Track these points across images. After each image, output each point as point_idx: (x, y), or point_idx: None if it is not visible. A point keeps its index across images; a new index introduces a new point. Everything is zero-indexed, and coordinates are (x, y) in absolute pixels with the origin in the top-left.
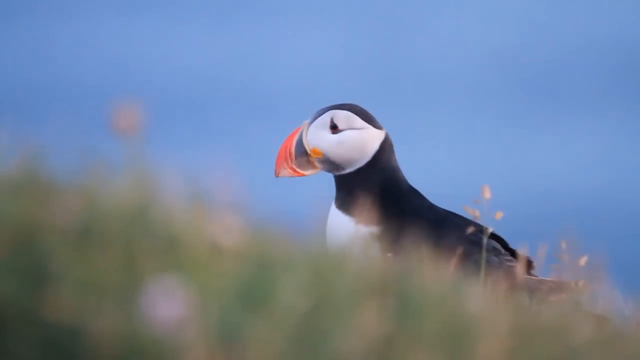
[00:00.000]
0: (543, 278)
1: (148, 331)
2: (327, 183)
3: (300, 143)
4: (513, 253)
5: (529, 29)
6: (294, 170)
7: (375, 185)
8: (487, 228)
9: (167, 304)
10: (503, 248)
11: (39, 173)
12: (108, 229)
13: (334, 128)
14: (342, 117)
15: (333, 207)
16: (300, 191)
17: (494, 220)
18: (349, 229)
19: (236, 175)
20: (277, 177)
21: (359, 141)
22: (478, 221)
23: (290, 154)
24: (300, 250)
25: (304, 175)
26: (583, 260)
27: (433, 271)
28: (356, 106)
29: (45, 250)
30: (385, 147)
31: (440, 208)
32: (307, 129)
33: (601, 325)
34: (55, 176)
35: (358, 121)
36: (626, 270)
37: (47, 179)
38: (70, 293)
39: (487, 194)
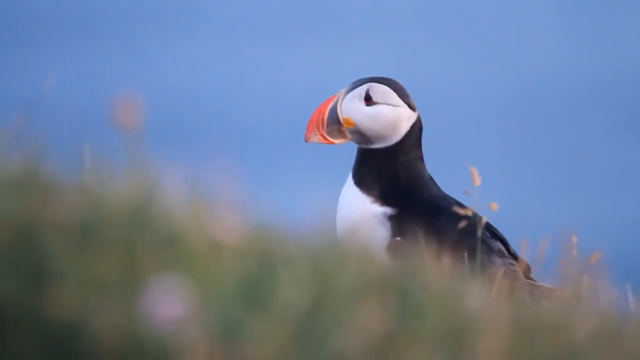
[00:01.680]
0: (541, 284)
1: (149, 329)
2: (327, 183)
3: (334, 111)
4: (514, 256)
5: None
6: (324, 137)
7: (399, 166)
8: (491, 225)
9: (168, 302)
10: (506, 249)
11: (40, 171)
12: (109, 226)
13: (368, 100)
14: (379, 91)
15: (349, 181)
16: (301, 189)
17: (489, 212)
18: (363, 207)
19: (236, 173)
20: (306, 142)
21: (393, 118)
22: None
23: (322, 120)
24: (300, 248)
25: (333, 143)
26: (594, 258)
27: (434, 269)
28: (395, 82)
29: (46, 248)
30: (416, 129)
31: (452, 199)
32: (343, 97)
33: (602, 323)
34: (56, 174)
35: (395, 97)
36: (628, 267)
37: (48, 176)
38: (71, 290)
39: (477, 180)
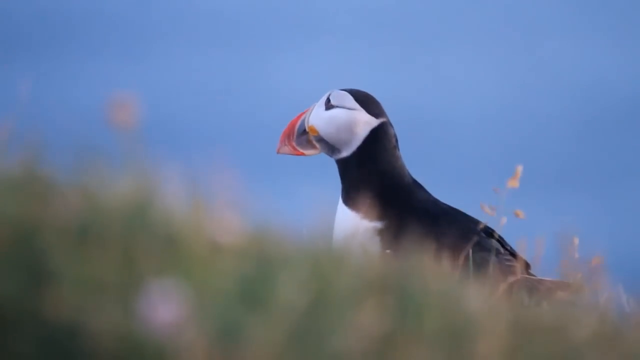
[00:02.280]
0: (541, 278)
1: (147, 330)
2: (326, 184)
3: (303, 121)
4: (512, 253)
5: None
6: (294, 149)
7: (374, 176)
8: (487, 227)
9: (166, 303)
10: (502, 247)
11: (39, 171)
12: (107, 227)
13: (328, 105)
14: (337, 96)
15: (340, 200)
16: (300, 189)
17: (514, 219)
18: (353, 224)
19: (235, 174)
20: (278, 153)
21: (347, 120)
22: (496, 215)
23: (293, 132)
24: (299, 248)
25: (303, 154)
26: (594, 260)
27: (433, 269)
28: (359, 91)
29: (45, 249)
30: (379, 135)
31: (443, 203)
32: (313, 108)
33: (601, 323)
34: (55, 174)
35: (350, 101)
36: (626, 267)
37: (46, 177)
38: (70, 291)
39: (515, 182)
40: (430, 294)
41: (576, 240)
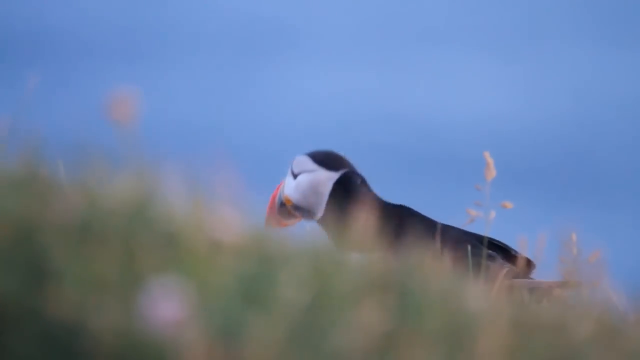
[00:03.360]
0: (541, 280)
1: (148, 328)
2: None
3: (281, 193)
4: (513, 258)
5: None
6: (279, 221)
7: (348, 216)
8: (486, 238)
9: (167, 301)
10: (503, 254)
11: (39, 169)
12: (108, 225)
13: (293, 174)
14: (297, 163)
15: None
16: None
17: (502, 210)
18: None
19: (236, 171)
20: (266, 228)
21: (309, 183)
22: (482, 210)
23: (274, 204)
24: (300, 246)
25: (288, 225)
26: (593, 256)
27: (433, 268)
28: (317, 152)
29: (45, 247)
30: (343, 184)
31: (435, 221)
32: (286, 178)
33: (601, 322)
34: (55, 172)
35: (309, 164)
36: (627, 266)
37: (47, 175)
38: (70, 289)
39: (491, 172)
40: (431, 293)
41: (574, 237)
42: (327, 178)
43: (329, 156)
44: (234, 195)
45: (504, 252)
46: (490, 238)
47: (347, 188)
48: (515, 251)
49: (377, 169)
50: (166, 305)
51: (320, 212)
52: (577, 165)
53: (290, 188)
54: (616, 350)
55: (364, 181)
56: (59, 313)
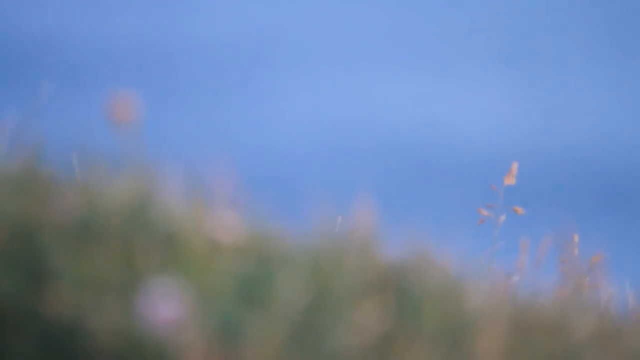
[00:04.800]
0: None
1: (147, 329)
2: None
3: None
4: None
5: None
6: None
7: None
8: None
9: (166, 302)
10: None
11: (38, 169)
12: (107, 225)
13: None
14: None
15: None
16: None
17: (514, 215)
18: None
19: (235, 171)
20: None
21: None
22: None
23: None
24: (299, 247)
25: None
26: (595, 257)
27: (433, 268)
28: None
29: (44, 247)
30: None
31: None
32: None
33: (602, 322)
34: (54, 172)
35: None
36: (627, 265)
37: (46, 175)
38: (69, 290)
39: (512, 179)
40: (430, 293)
41: (576, 238)
42: None
43: None
44: (233, 196)
45: None
46: None
47: None
48: None
49: (393, 175)
50: (165, 306)
51: None
52: (596, 183)
53: None
54: (617, 351)
55: None
56: (57, 314)
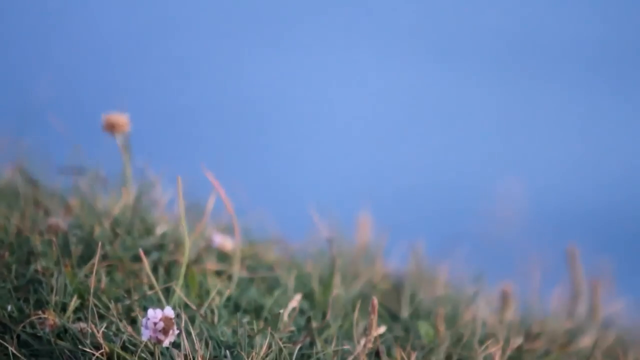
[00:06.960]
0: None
1: (144, 337)
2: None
3: None
4: None
5: None
6: None
7: None
8: None
9: (163, 310)
10: None
11: (34, 178)
12: (103, 235)
13: None
14: None
15: None
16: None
17: None
18: None
19: (233, 183)
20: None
21: None
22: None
23: None
24: (298, 254)
25: None
26: (599, 265)
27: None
28: None
29: (40, 255)
30: None
31: None
32: None
33: (604, 331)
34: (49, 182)
35: None
36: (630, 274)
37: (41, 184)
38: (65, 299)
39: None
40: (433, 297)
41: (579, 251)
42: None
43: None
44: (232, 203)
45: None
46: None
47: None
48: None
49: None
50: (162, 315)
51: None
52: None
53: None
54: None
55: None
56: (53, 322)
